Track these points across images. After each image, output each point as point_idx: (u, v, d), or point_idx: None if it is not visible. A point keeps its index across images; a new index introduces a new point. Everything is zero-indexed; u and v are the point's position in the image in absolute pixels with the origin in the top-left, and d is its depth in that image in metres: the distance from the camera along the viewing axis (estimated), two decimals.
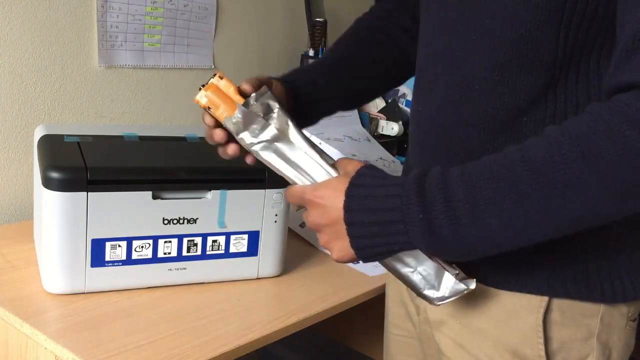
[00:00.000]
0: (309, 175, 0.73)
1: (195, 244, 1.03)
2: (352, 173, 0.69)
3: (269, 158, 0.74)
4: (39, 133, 1.05)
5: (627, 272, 0.75)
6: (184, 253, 1.02)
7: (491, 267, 0.75)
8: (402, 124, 1.71)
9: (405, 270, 0.71)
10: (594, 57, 0.69)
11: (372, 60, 0.98)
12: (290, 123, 0.74)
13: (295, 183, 0.74)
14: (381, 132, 1.72)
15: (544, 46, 0.68)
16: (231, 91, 0.76)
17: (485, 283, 0.77)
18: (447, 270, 0.71)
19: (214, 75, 0.77)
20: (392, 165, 1.58)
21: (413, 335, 0.93)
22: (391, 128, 1.70)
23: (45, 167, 0.92)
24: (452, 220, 0.63)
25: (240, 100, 0.75)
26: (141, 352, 0.85)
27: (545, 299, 0.75)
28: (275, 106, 0.74)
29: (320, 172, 0.73)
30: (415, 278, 0.72)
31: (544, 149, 0.60)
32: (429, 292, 0.72)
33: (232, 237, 1.05)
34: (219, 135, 0.77)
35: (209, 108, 0.75)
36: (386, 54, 0.98)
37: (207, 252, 1.04)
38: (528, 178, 0.60)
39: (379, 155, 1.59)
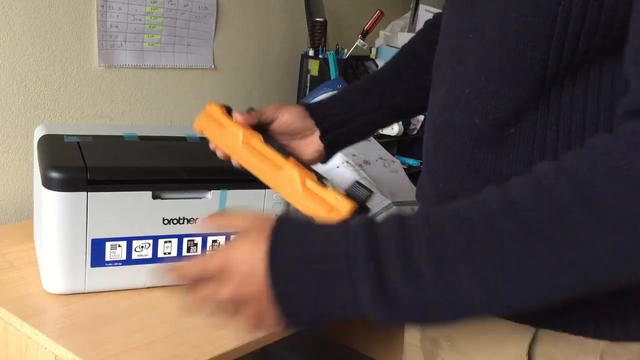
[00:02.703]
0: None
1: (195, 244, 1.03)
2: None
3: None
4: (39, 133, 1.05)
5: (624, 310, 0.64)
6: (184, 253, 1.02)
7: None
8: (402, 124, 1.71)
9: None
10: (595, 67, 0.61)
11: (410, 67, 0.96)
12: None
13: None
14: (381, 132, 1.71)
15: (532, 55, 0.62)
16: (219, 113, 0.85)
17: None
18: None
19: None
20: (392, 165, 1.58)
21: None
22: (391, 128, 1.70)
23: (45, 167, 0.92)
24: (411, 274, 0.51)
25: (225, 119, 0.83)
26: (141, 352, 0.85)
27: (532, 329, 0.68)
28: None
29: None
30: None
31: (532, 192, 0.49)
32: None
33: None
34: (220, 154, 0.88)
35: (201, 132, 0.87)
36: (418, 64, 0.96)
37: (207, 252, 1.04)
38: (511, 230, 0.49)
39: (379, 155, 1.59)
